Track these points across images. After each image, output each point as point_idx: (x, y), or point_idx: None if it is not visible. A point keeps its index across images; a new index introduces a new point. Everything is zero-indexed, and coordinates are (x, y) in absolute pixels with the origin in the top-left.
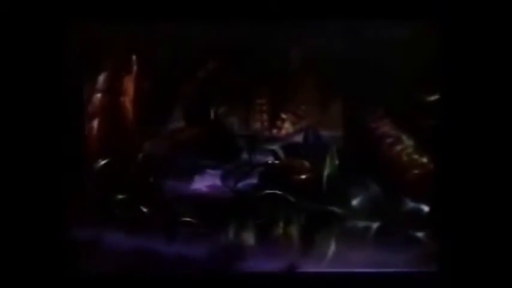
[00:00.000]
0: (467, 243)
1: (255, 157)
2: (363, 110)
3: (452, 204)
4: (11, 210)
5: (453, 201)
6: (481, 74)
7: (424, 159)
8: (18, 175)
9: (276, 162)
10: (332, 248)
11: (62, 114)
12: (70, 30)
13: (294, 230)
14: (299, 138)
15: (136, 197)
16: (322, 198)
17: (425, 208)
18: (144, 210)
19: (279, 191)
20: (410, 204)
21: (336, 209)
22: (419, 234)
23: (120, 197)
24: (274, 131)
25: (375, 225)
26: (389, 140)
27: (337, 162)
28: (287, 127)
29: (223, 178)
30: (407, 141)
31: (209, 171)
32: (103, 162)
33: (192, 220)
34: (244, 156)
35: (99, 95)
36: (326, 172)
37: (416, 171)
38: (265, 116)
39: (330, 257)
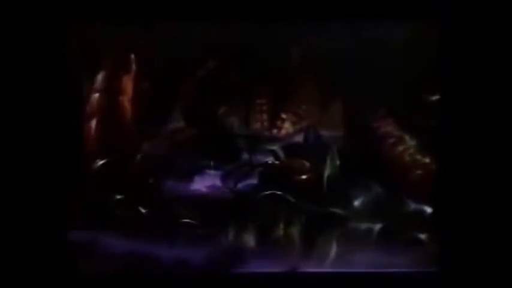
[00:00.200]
0: (468, 244)
1: (255, 157)
2: (363, 110)
3: (452, 204)
4: (10, 211)
5: (453, 201)
6: (481, 74)
7: (426, 160)
8: (17, 175)
9: (276, 162)
10: (333, 249)
11: (61, 114)
12: (70, 30)
13: (294, 232)
14: (299, 138)
15: (135, 198)
16: (322, 199)
17: (428, 209)
18: (143, 211)
19: (279, 191)
20: (413, 206)
21: (337, 210)
22: (422, 236)
23: (119, 197)
24: (275, 131)
25: (377, 226)
26: (391, 140)
27: (337, 162)
28: (287, 127)
29: (223, 179)
30: (410, 141)
31: (209, 171)
32: (102, 162)
33: (192, 221)
34: (244, 156)
35: (99, 95)
36: (327, 173)
37: (419, 172)
38: (265, 116)
39: (331, 259)
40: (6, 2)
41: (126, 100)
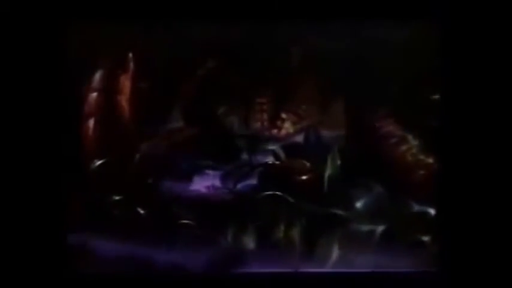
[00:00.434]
0: (468, 244)
1: (255, 157)
2: (364, 110)
3: (454, 205)
4: (8, 211)
5: (454, 201)
6: (481, 73)
7: (429, 160)
8: (16, 175)
9: (277, 162)
10: (334, 251)
11: (61, 114)
12: (70, 30)
13: (295, 233)
14: (300, 138)
15: (133, 198)
16: (323, 200)
17: (431, 210)
18: (142, 211)
19: (279, 192)
20: (416, 207)
21: (338, 211)
22: (425, 238)
23: (117, 198)
24: (275, 131)
25: (379, 228)
26: (393, 140)
27: (338, 162)
28: (287, 127)
29: (223, 179)
30: (413, 141)
31: (208, 172)
32: (100, 162)
33: (191, 222)
34: (244, 156)
35: (98, 95)
36: (327, 173)
37: (421, 172)
38: (265, 116)
39: (332, 260)
40: (6, 2)
41: (125, 100)
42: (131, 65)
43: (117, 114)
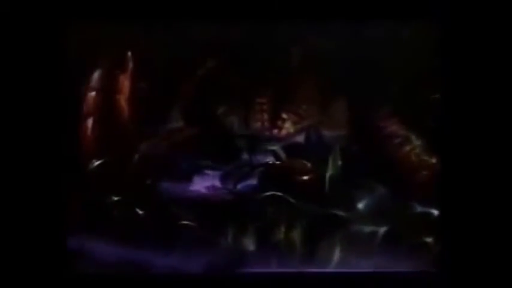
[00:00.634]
0: (468, 244)
1: (255, 158)
2: (364, 109)
3: (454, 205)
4: (7, 211)
5: (455, 202)
6: (481, 73)
7: (432, 160)
8: (14, 175)
9: (277, 163)
10: (336, 253)
11: (61, 114)
12: (70, 30)
13: (296, 234)
14: (300, 138)
15: (133, 199)
16: (324, 201)
17: (434, 211)
18: (141, 212)
19: (279, 192)
20: (419, 208)
21: (339, 212)
22: (428, 239)
23: (116, 198)
24: (275, 131)
25: (381, 230)
26: (397, 140)
27: (339, 162)
28: (288, 127)
29: (223, 179)
30: (416, 141)
31: (208, 172)
32: (98, 162)
33: (190, 223)
34: (244, 156)
35: (98, 95)
36: (328, 173)
37: (425, 173)
38: (265, 116)
39: (333, 263)
40: (6, 2)
41: (125, 99)
42: (131, 64)
43: (117, 114)
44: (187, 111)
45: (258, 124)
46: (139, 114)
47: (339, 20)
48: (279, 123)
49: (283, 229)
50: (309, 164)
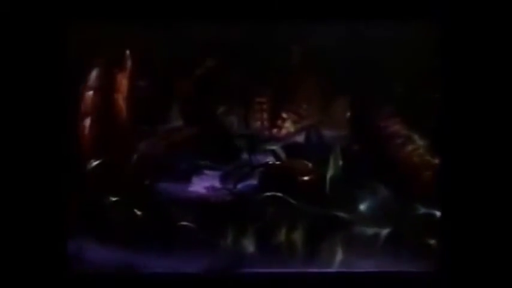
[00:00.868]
0: (468, 243)
1: (255, 158)
2: (366, 109)
3: (453, 204)
4: (5, 211)
5: (454, 201)
6: (481, 73)
7: (434, 161)
8: (12, 174)
9: (277, 163)
10: (337, 255)
11: (61, 114)
12: (70, 30)
13: (296, 236)
14: (301, 138)
15: (131, 200)
16: (325, 202)
17: (437, 212)
18: (139, 213)
19: (280, 193)
20: (422, 209)
21: (340, 214)
22: (431, 241)
23: (114, 199)
24: (275, 130)
25: (384, 232)
26: (399, 140)
27: (341, 163)
28: (288, 126)
29: (222, 179)
30: (419, 141)
31: (208, 172)
32: (96, 162)
33: (189, 224)
34: (244, 156)
35: (97, 94)
36: (329, 174)
37: (428, 173)
38: (265, 115)
39: (335, 265)
40: (6, 2)
41: (123, 99)
42: (130, 63)
43: (115, 113)
44: (187, 110)
45: (258, 124)
46: (138, 114)
47: (339, 20)
48: (279, 122)
49: (283, 230)
50: (309, 164)
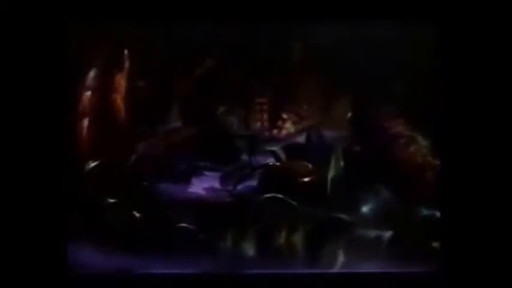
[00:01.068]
0: (469, 244)
1: (255, 159)
2: (367, 109)
3: (453, 205)
4: (4, 211)
5: (454, 202)
6: (481, 73)
7: (436, 162)
8: (11, 174)
9: (277, 164)
10: (339, 258)
11: (59, 114)
12: (70, 30)
13: (297, 237)
14: (301, 138)
15: (129, 201)
16: (326, 204)
17: (439, 214)
18: (138, 215)
19: (280, 194)
20: (424, 211)
21: (342, 216)
22: (434, 244)
23: (112, 201)
24: (275, 131)
25: (386, 234)
26: (403, 141)
27: (342, 164)
28: (288, 127)
29: (222, 180)
30: (422, 142)
31: (207, 173)
32: (94, 164)
33: (189, 225)
34: (244, 157)
35: (95, 94)
36: (330, 175)
37: (430, 174)
38: (265, 116)
39: (336, 267)
40: (6, 2)
41: (122, 99)
42: (129, 63)
43: (114, 113)
44: (186, 111)
45: (258, 124)
46: (137, 114)
47: (339, 20)
48: (279, 123)
49: (284, 232)
50: (310, 165)
